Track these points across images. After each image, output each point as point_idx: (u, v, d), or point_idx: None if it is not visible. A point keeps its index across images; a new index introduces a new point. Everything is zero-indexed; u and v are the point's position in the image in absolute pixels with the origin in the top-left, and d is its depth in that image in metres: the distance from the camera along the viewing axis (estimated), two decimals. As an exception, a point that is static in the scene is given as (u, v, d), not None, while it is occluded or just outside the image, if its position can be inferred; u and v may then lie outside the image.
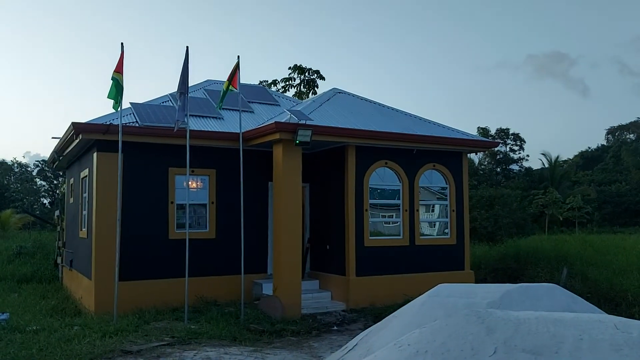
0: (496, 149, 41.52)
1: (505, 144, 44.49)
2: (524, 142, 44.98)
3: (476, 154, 38.95)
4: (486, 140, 18.52)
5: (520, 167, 45.11)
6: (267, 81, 31.63)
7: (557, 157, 43.44)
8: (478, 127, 44.11)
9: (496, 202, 24.56)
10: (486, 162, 44.45)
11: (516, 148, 44.94)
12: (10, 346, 7.63)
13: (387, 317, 4.93)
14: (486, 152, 40.53)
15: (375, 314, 10.51)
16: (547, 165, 43.58)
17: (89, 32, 64.65)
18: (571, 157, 58.73)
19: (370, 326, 5.53)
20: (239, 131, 11.01)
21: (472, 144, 13.77)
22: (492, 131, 44.02)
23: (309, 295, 11.66)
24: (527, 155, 46.44)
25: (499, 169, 44.75)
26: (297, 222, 11.01)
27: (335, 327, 10.13)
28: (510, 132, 44.74)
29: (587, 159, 58.87)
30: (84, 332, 8.41)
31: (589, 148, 62.24)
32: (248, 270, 11.07)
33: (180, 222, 11.61)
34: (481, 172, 41.92)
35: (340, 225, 11.99)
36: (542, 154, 45.80)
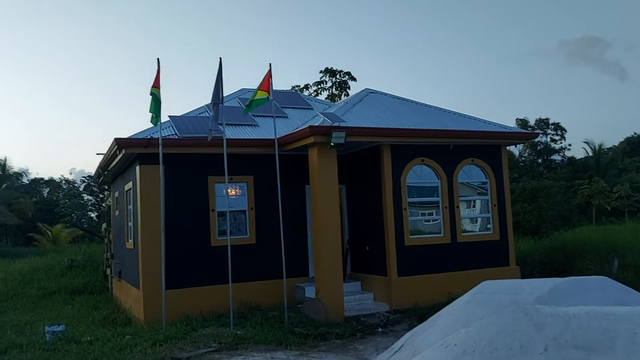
0: (536, 139, 40.41)
1: (546, 134, 43.25)
2: (565, 131, 43.60)
3: (515, 146, 38.02)
4: (525, 132, 18.08)
5: (562, 157, 43.76)
6: (299, 86, 31.83)
7: (601, 144, 41.91)
8: (517, 119, 43.04)
9: (539, 194, 23.89)
10: (527, 154, 43.33)
11: (557, 138, 43.62)
12: (68, 357, 7.95)
13: (431, 317, 4.87)
14: (526, 143, 39.52)
15: (420, 314, 10.40)
16: (590, 154, 42.11)
17: (127, 48, 66.68)
18: (616, 143, 56.52)
19: (415, 327, 5.48)
20: (274, 137, 11.13)
21: (510, 137, 13.48)
22: (532, 122, 42.89)
23: (352, 297, 11.64)
24: (569, 145, 44.95)
25: (540, 160, 43.54)
26: (336, 224, 11.02)
27: (379, 329, 10.08)
28: (550, 122, 43.48)
29: (634, 144, 56.45)
30: (135, 341, 8.66)
31: (635, 134, 59.74)
32: (289, 274, 11.15)
33: (221, 229, 11.81)
34: (522, 164, 40.89)
35: (379, 225, 11.93)
36: (585, 142, 44.08)
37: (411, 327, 8.92)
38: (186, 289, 11.19)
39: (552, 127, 43.58)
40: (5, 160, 38.08)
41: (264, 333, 9.07)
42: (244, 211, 12.26)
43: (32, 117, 69.82)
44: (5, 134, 67.45)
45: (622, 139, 58.88)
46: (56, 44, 64.93)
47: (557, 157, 43.76)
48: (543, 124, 43.32)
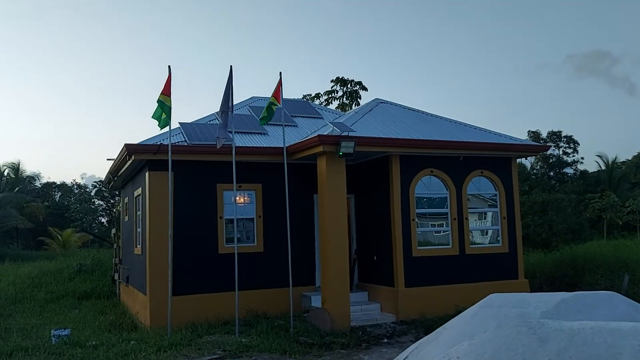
0: (548, 152, 40.12)
1: (558, 147, 42.94)
2: (578, 144, 43.26)
3: (526, 158, 37.80)
4: (535, 144, 17.98)
5: (574, 170, 43.39)
6: (310, 95, 31.94)
7: (615, 158, 41.49)
8: (529, 131, 42.76)
9: (549, 207, 23.69)
10: (538, 167, 43.02)
11: (570, 151, 43.30)
12: (72, 360, 7.96)
13: (437, 329, 4.82)
14: (537, 156, 39.27)
15: (426, 325, 10.32)
16: (603, 168, 41.69)
17: (141, 54, 67.46)
18: (630, 157, 55.95)
19: (421, 338, 5.43)
20: (283, 145, 11.16)
21: (520, 149, 13.40)
22: (544, 134, 42.63)
23: (358, 307, 11.58)
24: (582, 158, 44.57)
25: (552, 173, 43.20)
26: (343, 233, 11.00)
27: (385, 340, 10.00)
28: (563, 135, 43.17)
29: (648, 159, 55.82)
30: (140, 347, 8.68)
31: (649, 148, 59.07)
32: (296, 282, 11.13)
33: (229, 236, 11.83)
34: (533, 176, 40.58)
35: (387, 235, 11.88)
36: (598, 155, 43.67)
37: (417, 338, 8.85)
38: (193, 296, 11.21)
39: (565, 140, 43.28)
40: (19, 164, 38.56)
41: (268, 341, 9.04)
42: (252, 219, 12.28)
43: (46, 122, 70.76)
44: (18, 138, 68.40)
45: (635, 153, 58.24)
46: (70, 50, 65.87)
47: (569, 170, 43.39)
48: (555, 136, 43.03)
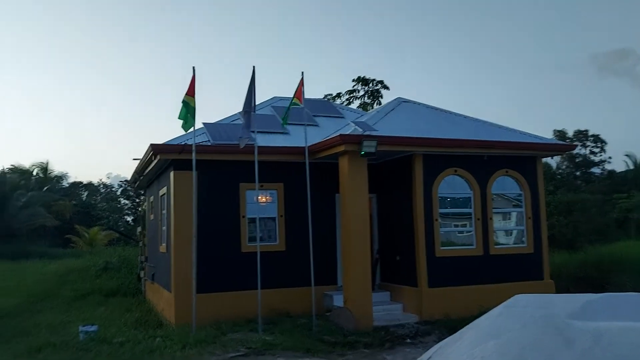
0: (575, 151, 39.38)
1: (585, 146, 42.11)
2: (605, 143, 42.34)
3: (552, 157, 37.18)
4: (561, 143, 17.70)
5: (602, 170, 42.49)
6: (332, 94, 31.94)
7: (644, 157, 40.44)
8: (554, 130, 42.06)
9: (575, 207, 23.27)
10: (564, 166, 42.26)
11: (597, 150, 42.42)
12: (99, 357, 8.17)
13: (461, 329, 4.81)
14: (564, 155, 38.59)
15: (450, 326, 10.23)
16: (632, 167, 40.72)
17: (166, 54, 68.34)
18: (660, 157, 54.45)
19: (444, 338, 5.42)
20: (304, 145, 11.21)
21: (545, 148, 13.21)
22: (570, 133, 41.85)
23: (380, 307, 11.56)
24: (610, 157, 43.61)
25: (578, 173, 42.38)
26: (365, 233, 10.99)
27: (408, 340, 9.97)
28: (590, 134, 42.32)
29: (678, 158, 54.30)
30: (165, 344, 8.82)
31: (679, 147, 57.46)
32: (318, 282, 11.17)
33: (251, 235, 11.93)
34: (559, 176, 39.88)
35: (410, 235, 11.84)
36: (626, 155, 42.64)
37: (441, 339, 8.79)
38: (216, 294, 11.34)
39: (592, 139, 42.42)
40: (47, 163, 39.46)
41: (292, 340, 9.10)
42: (274, 218, 12.36)
43: (73, 122, 72.17)
44: (47, 139, 69.94)
45: (665, 152, 56.65)
46: (97, 50, 67.08)
47: (596, 170, 42.51)
48: (582, 135, 42.20)
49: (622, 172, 42.38)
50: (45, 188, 38.16)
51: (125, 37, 64.93)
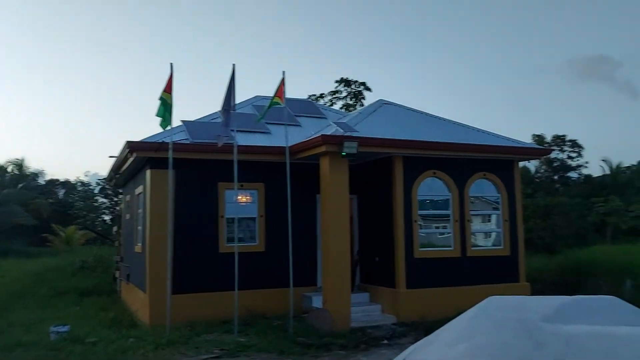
0: (553, 155, 39.99)
1: (562, 151, 42.78)
2: (582, 148, 43.08)
3: (529, 161, 37.70)
4: (538, 147, 17.92)
5: (579, 174, 43.20)
6: (315, 95, 31.92)
7: (619, 163, 41.29)
8: (533, 135, 42.61)
9: (553, 211, 23.57)
10: (543, 170, 42.85)
11: (574, 155, 43.13)
12: (71, 357, 7.99)
13: (436, 331, 4.78)
14: (541, 159, 39.13)
15: (427, 327, 10.22)
16: (608, 172, 41.49)
17: (144, 51, 67.47)
18: (635, 162, 55.61)
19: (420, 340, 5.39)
20: (286, 145, 11.13)
21: (522, 152, 13.33)
22: (548, 138, 42.46)
23: (359, 309, 11.53)
24: (587, 162, 44.35)
25: (556, 177, 43.03)
26: (345, 234, 10.96)
27: (385, 341, 9.95)
28: (567, 139, 43.00)
29: (653, 164, 55.44)
30: (138, 344, 8.66)
31: (655, 153, 58.71)
32: (297, 283, 11.08)
33: (230, 235, 11.80)
34: (537, 180, 40.44)
35: (389, 237, 11.84)
36: (603, 160, 43.43)
37: (417, 340, 8.74)
38: (192, 294, 11.19)
39: (569, 143, 43.10)
40: (23, 160, 38.63)
41: (266, 341, 9.02)
42: (254, 218, 12.26)
43: (50, 119, 70.88)
44: (22, 135, 68.55)
45: (640, 158, 57.81)
46: (73, 47, 65.96)
47: (573, 175, 43.21)
48: (560, 140, 42.87)
49: (598, 176, 43.15)
50: (21, 186, 37.38)
51: (103, 33, 64.01)
